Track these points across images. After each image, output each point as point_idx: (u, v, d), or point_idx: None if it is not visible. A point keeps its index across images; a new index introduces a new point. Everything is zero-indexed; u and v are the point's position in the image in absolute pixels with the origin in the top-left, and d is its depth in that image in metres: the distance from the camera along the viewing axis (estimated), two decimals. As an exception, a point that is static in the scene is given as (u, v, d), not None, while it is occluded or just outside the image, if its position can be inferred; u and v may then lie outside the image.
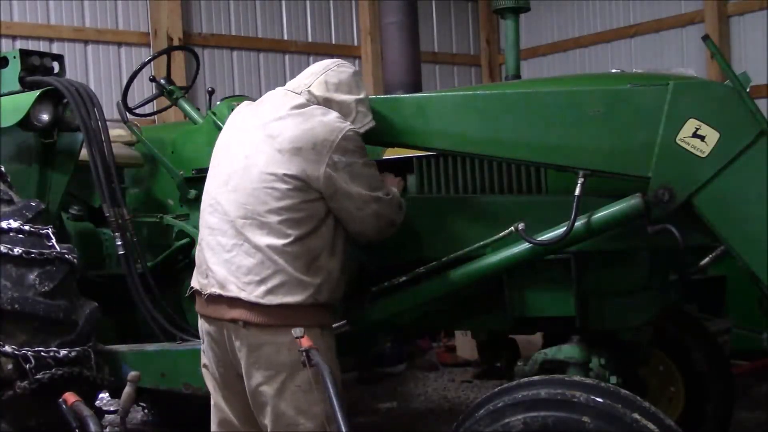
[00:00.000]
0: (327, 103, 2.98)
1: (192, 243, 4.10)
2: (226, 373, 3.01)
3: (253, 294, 2.79)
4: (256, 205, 2.81)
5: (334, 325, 3.05)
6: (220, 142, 3.11)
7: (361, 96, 3.04)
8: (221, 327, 2.91)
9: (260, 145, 2.87)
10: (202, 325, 3.04)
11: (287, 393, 2.81)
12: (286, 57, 9.42)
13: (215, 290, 2.88)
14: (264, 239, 2.79)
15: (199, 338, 3.82)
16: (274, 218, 2.79)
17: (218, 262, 2.88)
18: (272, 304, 2.78)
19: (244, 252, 2.82)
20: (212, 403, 3.12)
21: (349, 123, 2.91)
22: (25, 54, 4.12)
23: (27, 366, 3.38)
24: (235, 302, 2.82)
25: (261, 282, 2.79)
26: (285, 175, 2.79)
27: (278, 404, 2.82)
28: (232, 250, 2.85)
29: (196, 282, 3.03)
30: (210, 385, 3.11)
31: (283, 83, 3.19)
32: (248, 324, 2.81)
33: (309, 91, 2.99)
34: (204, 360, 3.11)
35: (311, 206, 2.83)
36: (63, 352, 3.47)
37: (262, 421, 2.91)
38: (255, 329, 2.81)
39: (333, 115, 2.91)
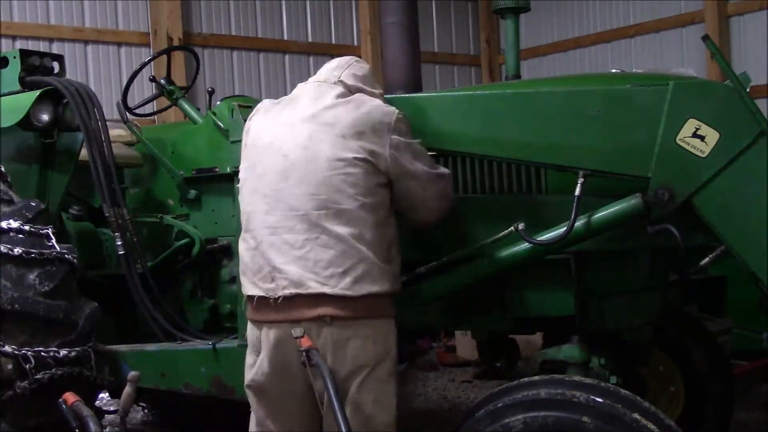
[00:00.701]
0: (360, 92, 2.97)
1: (192, 243, 4.10)
2: (286, 384, 2.84)
3: (339, 286, 2.70)
4: (331, 194, 2.74)
5: None
6: (251, 141, 2.97)
7: (381, 91, 3.08)
8: (305, 328, 2.75)
9: (317, 134, 2.80)
10: (265, 334, 2.83)
11: (368, 385, 2.77)
12: (286, 57, 9.42)
13: (290, 290, 2.74)
14: (344, 228, 2.73)
15: (199, 338, 3.84)
16: (352, 204, 2.74)
17: (289, 261, 2.75)
18: (359, 295, 2.71)
19: (321, 245, 2.73)
20: (255, 421, 2.95)
21: (397, 110, 2.91)
22: (25, 54, 4.12)
23: (27, 366, 3.37)
24: (317, 298, 2.71)
25: (344, 273, 2.71)
26: (355, 158, 2.75)
27: (358, 397, 2.76)
28: (304, 246, 2.74)
29: (255, 289, 2.84)
30: (256, 401, 2.92)
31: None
32: (335, 319, 2.71)
33: (342, 81, 2.97)
34: (253, 375, 2.89)
35: (382, 192, 2.81)
36: (63, 352, 3.47)
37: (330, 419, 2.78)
38: (341, 323, 2.72)
39: (380, 100, 2.94)
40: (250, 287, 2.87)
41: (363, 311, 2.74)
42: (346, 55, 3.18)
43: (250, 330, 2.93)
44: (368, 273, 2.73)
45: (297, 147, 2.81)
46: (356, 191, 2.75)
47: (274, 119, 2.94)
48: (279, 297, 2.76)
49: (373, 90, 3.01)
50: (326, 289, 2.71)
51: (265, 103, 3.07)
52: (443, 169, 2.99)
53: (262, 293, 2.81)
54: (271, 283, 2.78)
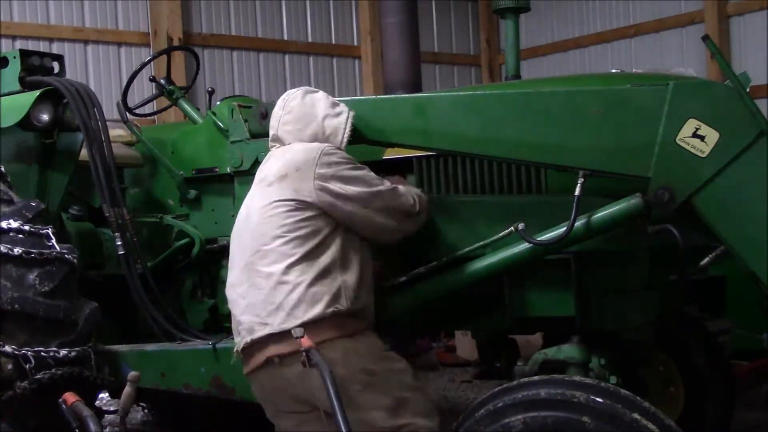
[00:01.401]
0: (300, 134, 3.03)
1: (192, 243, 4.10)
2: (288, 418, 2.91)
3: (276, 323, 2.75)
4: (258, 238, 2.85)
5: None
6: None
7: (320, 113, 3.03)
8: (263, 374, 2.83)
9: (255, 190, 2.98)
10: (253, 387, 2.96)
11: (351, 400, 2.72)
12: (286, 57, 9.41)
13: (246, 340, 2.82)
14: (271, 267, 2.80)
15: (199, 338, 3.85)
16: (276, 243, 2.81)
17: (241, 312, 2.87)
18: (295, 326, 2.70)
19: (256, 287, 2.81)
20: None
21: (327, 144, 2.95)
22: (25, 54, 4.12)
23: (27, 366, 3.37)
24: (264, 341, 2.77)
25: (279, 308, 2.76)
26: (277, 201, 2.84)
27: (355, 412, 2.74)
28: (247, 294, 2.84)
29: (238, 347, 2.93)
30: None
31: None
32: (282, 357, 2.75)
33: (278, 137, 3.08)
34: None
35: (312, 223, 2.84)
36: (63, 352, 3.47)
37: None
38: (290, 360, 2.73)
39: (312, 143, 2.98)
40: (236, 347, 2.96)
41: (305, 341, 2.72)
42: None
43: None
44: (300, 301, 2.76)
45: (243, 209, 3.00)
46: (281, 230, 2.82)
47: None
48: (241, 348, 2.86)
49: (308, 124, 3.02)
50: (267, 330, 2.77)
51: None
52: (384, 186, 2.96)
53: (238, 347, 2.91)
54: (239, 335, 2.89)
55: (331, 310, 2.78)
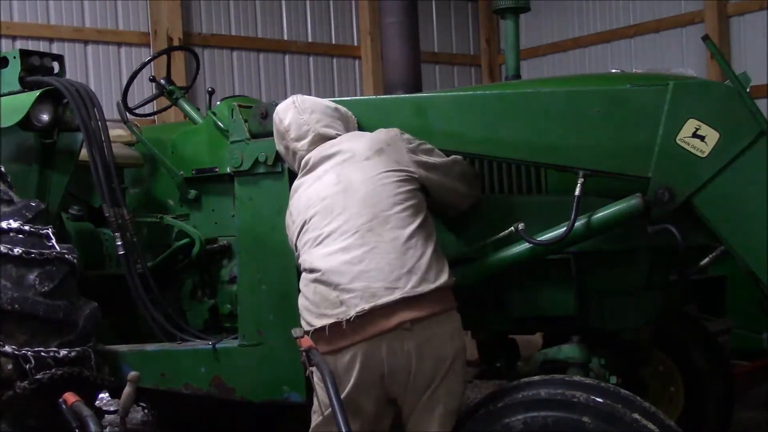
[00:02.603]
0: (343, 124, 3.10)
1: (192, 243, 4.10)
2: (367, 403, 2.75)
3: (409, 286, 2.67)
4: (375, 205, 2.79)
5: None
6: (291, 208, 3.02)
7: (333, 105, 3.12)
8: (377, 344, 2.67)
9: (342, 170, 2.88)
10: (343, 360, 2.70)
11: (446, 378, 2.72)
12: (286, 57, 9.42)
13: (363, 306, 2.65)
14: (395, 232, 2.75)
15: (199, 338, 3.84)
16: (396, 209, 2.79)
17: (353, 279, 2.70)
18: (430, 290, 2.68)
19: (380, 253, 2.72)
20: None
21: None
22: (25, 54, 4.12)
23: (27, 366, 3.37)
24: (392, 307, 2.65)
25: (410, 272, 2.69)
26: (386, 171, 2.84)
27: (435, 391, 2.73)
28: (363, 260, 2.71)
29: (323, 319, 2.72)
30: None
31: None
32: (414, 322, 2.65)
33: (320, 134, 3.03)
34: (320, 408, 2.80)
35: (417, 195, 2.87)
36: (63, 352, 3.47)
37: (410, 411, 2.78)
38: (421, 326, 2.66)
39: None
40: (316, 320, 2.77)
41: (437, 306, 2.70)
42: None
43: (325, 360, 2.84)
44: (430, 267, 2.73)
45: (330, 187, 2.87)
46: (397, 198, 2.81)
47: (302, 183, 3.00)
48: (352, 317, 2.67)
49: (337, 114, 3.11)
50: (398, 294, 2.66)
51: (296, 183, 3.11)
52: (453, 156, 3.07)
53: (331, 320, 2.71)
54: (341, 306, 2.71)
55: (453, 279, 2.80)
